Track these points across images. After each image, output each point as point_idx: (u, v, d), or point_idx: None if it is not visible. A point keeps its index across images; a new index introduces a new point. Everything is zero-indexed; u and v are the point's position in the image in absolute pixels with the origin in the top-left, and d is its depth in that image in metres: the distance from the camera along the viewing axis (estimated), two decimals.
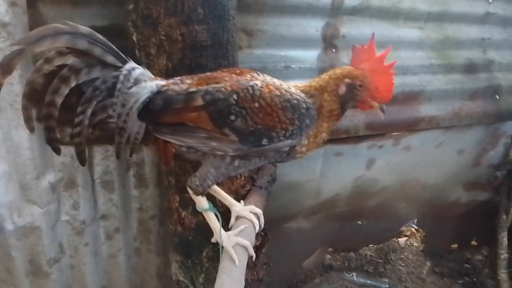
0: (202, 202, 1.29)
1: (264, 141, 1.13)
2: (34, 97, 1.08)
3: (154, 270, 2.08)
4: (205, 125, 1.13)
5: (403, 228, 3.38)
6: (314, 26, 2.02)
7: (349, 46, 1.31)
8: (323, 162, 2.27)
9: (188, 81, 1.19)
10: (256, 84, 1.13)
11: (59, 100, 1.07)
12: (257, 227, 1.43)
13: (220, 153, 1.16)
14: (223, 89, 1.12)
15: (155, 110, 1.15)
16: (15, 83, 1.54)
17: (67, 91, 1.07)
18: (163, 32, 1.32)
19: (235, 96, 1.11)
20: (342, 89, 1.17)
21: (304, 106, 1.15)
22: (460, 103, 2.44)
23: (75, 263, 1.92)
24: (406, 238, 3.38)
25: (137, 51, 1.39)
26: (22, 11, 1.51)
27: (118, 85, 1.10)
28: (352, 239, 3.10)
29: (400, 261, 3.18)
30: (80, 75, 1.08)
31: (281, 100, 1.13)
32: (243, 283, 1.20)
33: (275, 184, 1.88)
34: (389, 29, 2.23)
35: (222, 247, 1.29)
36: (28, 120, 1.09)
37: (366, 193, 2.64)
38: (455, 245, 3.37)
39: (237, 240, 1.29)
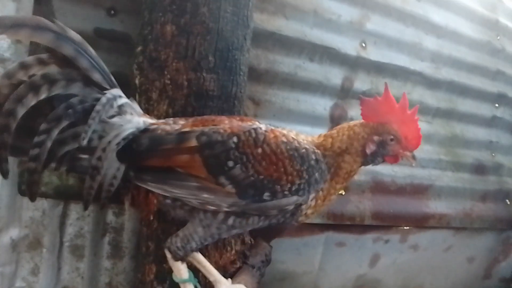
0: (181, 270, 1.06)
1: (266, 196, 0.96)
2: None
3: None
4: (198, 171, 0.96)
5: None
6: (322, 105, 1.97)
7: None
8: (324, 252, 2.04)
9: (182, 122, 1.05)
10: (260, 128, 1.00)
11: (20, 111, 0.88)
12: None
13: (213, 208, 0.98)
14: (222, 131, 0.98)
15: (139, 150, 0.98)
16: None
17: (33, 103, 0.89)
18: (168, 76, 1.23)
19: (235, 139, 0.97)
20: (371, 148, 1.06)
21: (314, 157, 1.01)
22: (471, 204, 2.30)
23: None
24: None
25: (137, 96, 1.29)
26: (24, 49, 1.45)
27: (98, 107, 0.93)
28: None
29: None
30: (54, 87, 0.91)
31: (288, 148, 0.98)
32: None
33: (267, 271, 1.65)
34: None
35: None
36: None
37: None
38: None
39: None
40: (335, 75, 1.98)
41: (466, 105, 2.43)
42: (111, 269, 1.66)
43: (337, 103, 2.02)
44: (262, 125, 1.02)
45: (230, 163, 0.95)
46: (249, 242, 1.49)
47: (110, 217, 1.63)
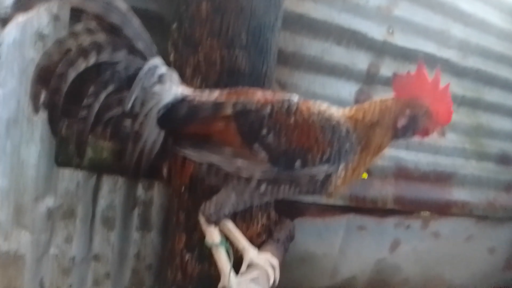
0: (213, 235, 1.10)
1: (297, 164, 0.99)
2: (46, 75, 0.95)
3: None
4: (233, 139, 1.00)
5: None
6: (347, 90, 1.99)
7: None
8: (345, 235, 2.06)
9: (217, 94, 1.10)
10: (293, 99, 1.03)
11: (71, 74, 0.93)
12: (272, 280, 1.22)
13: (246, 175, 1.02)
14: (256, 101, 1.02)
15: (178, 118, 1.03)
16: None
17: (83, 67, 0.94)
18: (202, 53, 1.28)
19: (268, 109, 1.01)
20: (403, 122, 1.08)
21: (344, 129, 1.04)
22: (494, 193, 2.29)
23: None
24: None
25: None
26: (63, 26, 1.52)
27: (141, 75, 0.98)
28: None
29: None
30: (102, 53, 0.96)
31: (320, 119, 1.02)
32: None
33: (287, 253, 1.69)
34: None
35: None
36: (34, 97, 0.96)
37: (386, 282, 2.36)
38: None
39: (249, 287, 1.09)
40: (361, 60, 1.99)
41: (493, 95, 2.41)
42: (139, 241, 1.73)
43: (362, 89, 2.03)
44: (295, 97, 1.05)
45: (264, 131, 0.99)
46: (275, 217, 1.54)
47: (140, 191, 1.69)
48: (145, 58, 1.02)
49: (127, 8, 1.00)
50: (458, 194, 2.17)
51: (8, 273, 1.57)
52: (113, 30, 0.98)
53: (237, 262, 1.20)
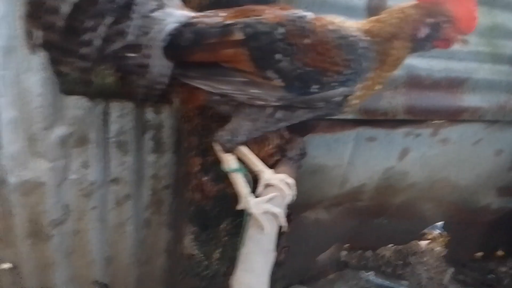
0: (230, 161, 1.11)
1: (314, 88, 0.95)
2: (36, 10, 0.88)
3: (163, 245, 1.92)
4: (244, 66, 0.95)
5: (426, 231, 3.17)
6: None
7: None
8: (354, 146, 2.08)
9: (223, 14, 1.01)
10: (306, 16, 0.95)
11: (65, 8, 0.86)
12: (289, 197, 1.26)
13: (260, 102, 0.99)
14: (267, 21, 0.94)
15: (184, 45, 0.96)
16: None
17: None
18: None
19: (281, 30, 0.93)
20: (424, 31, 1.00)
21: (362, 45, 0.97)
22: (506, 97, 2.24)
23: (80, 228, 1.77)
24: (428, 241, 3.17)
25: None
26: None
27: (138, 0, 0.90)
28: (371, 237, 2.90)
29: (420, 265, 2.98)
30: None
31: (336, 36, 0.95)
32: (272, 254, 1.04)
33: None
34: None
35: (248, 215, 1.13)
36: (28, 35, 0.90)
37: (393, 187, 2.45)
38: (480, 254, 3.15)
39: (266, 208, 1.12)
40: None
41: None
42: (154, 163, 1.77)
43: None
44: (308, 13, 0.97)
45: (278, 56, 0.93)
46: (287, 136, 1.54)
47: (150, 114, 1.68)
48: None
49: None
50: (470, 100, 2.13)
51: (31, 200, 1.64)
52: None
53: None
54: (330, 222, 2.63)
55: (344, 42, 0.95)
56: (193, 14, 1.01)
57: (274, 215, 1.13)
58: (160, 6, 0.95)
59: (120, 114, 1.64)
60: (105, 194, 1.75)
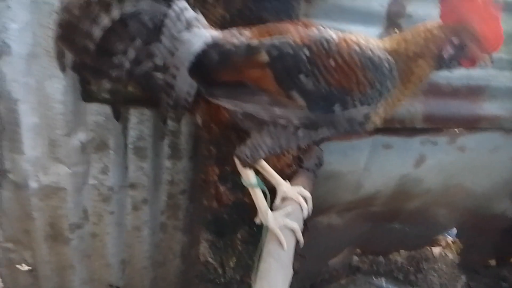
0: (249, 176, 1.12)
1: (337, 107, 0.95)
2: (69, 33, 0.90)
3: (179, 248, 1.94)
4: (269, 85, 0.95)
5: (439, 237, 3.15)
6: (379, 1, 1.83)
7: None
8: (370, 153, 2.08)
9: (248, 33, 1.02)
10: (332, 37, 0.95)
11: (97, 32, 0.89)
12: (305, 212, 1.27)
13: (283, 121, 0.99)
14: (292, 42, 0.94)
15: (210, 65, 0.97)
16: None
17: (107, 22, 0.89)
18: None
19: (306, 51, 0.93)
20: (449, 51, 0.99)
21: (387, 65, 0.97)
22: None
23: (98, 231, 1.80)
24: (441, 248, 3.15)
25: None
26: None
27: (167, 22, 0.92)
28: (384, 242, 2.90)
29: (432, 271, 2.97)
30: (124, 3, 0.89)
31: (361, 57, 0.94)
32: (292, 270, 1.05)
33: None
34: None
35: (266, 229, 1.14)
36: (59, 56, 0.93)
37: (408, 193, 2.44)
38: (493, 261, 3.13)
39: (285, 222, 1.13)
40: None
41: None
42: (171, 168, 1.79)
43: None
44: (332, 33, 0.96)
45: (302, 77, 0.93)
46: (304, 146, 1.54)
47: (168, 121, 1.69)
48: (169, 2, 0.94)
49: None
50: (489, 108, 2.10)
51: (51, 204, 1.67)
52: None
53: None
54: (343, 226, 2.63)
55: (369, 62, 0.94)
56: (219, 33, 1.02)
57: (292, 230, 1.14)
58: (188, 27, 0.97)
59: (139, 121, 1.66)
60: (123, 199, 1.78)
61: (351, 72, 0.93)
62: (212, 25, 1.13)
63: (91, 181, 1.70)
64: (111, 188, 1.72)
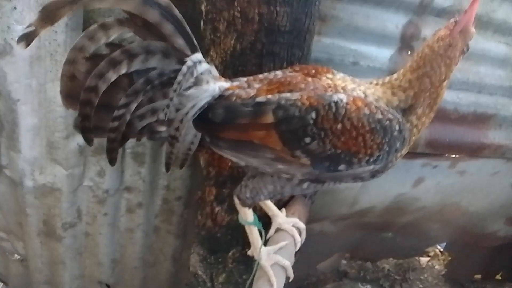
0: (247, 215, 1.12)
1: (342, 167, 0.93)
2: (74, 88, 0.90)
3: (170, 252, 1.96)
4: (274, 144, 0.93)
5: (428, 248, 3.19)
6: (394, 22, 1.77)
7: None
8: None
9: (257, 85, 0.99)
10: (341, 100, 0.91)
11: (102, 87, 0.87)
12: (298, 244, 1.27)
13: (287, 176, 0.98)
14: (299, 103, 0.91)
15: (215, 121, 0.96)
16: (59, 32, 1.37)
17: (114, 78, 0.88)
18: (238, 8, 1.11)
19: (313, 114, 0.90)
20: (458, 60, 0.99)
21: (397, 127, 0.94)
22: None
23: (91, 231, 1.80)
24: (429, 259, 3.20)
25: (202, 23, 1.20)
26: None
27: (179, 78, 0.89)
28: (373, 249, 2.93)
29: (418, 282, 3.02)
30: (134, 62, 0.88)
31: (371, 120, 0.91)
32: None
33: None
34: (475, 39, 1.94)
35: (258, 263, 1.14)
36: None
37: (402, 209, 2.45)
38: (479, 276, 3.18)
39: (277, 260, 1.14)
40: None
41: None
42: (169, 174, 1.77)
43: (411, 20, 1.80)
44: (343, 96, 0.92)
45: (307, 139, 0.91)
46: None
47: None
48: (183, 56, 0.91)
49: (168, 2, 0.87)
50: (494, 137, 2.08)
51: (46, 202, 1.67)
52: (148, 28, 0.87)
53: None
54: (335, 233, 2.65)
55: (379, 126, 0.92)
56: (227, 85, 1.00)
57: (283, 267, 1.15)
58: (196, 83, 0.95)
59: None
60: (117, 201, 1.77)
61: (359, 136, 0.91)
62: (221, 55, 1.10)
63: (87, 182, 1.69)
64: (106, 191, 1.71)
